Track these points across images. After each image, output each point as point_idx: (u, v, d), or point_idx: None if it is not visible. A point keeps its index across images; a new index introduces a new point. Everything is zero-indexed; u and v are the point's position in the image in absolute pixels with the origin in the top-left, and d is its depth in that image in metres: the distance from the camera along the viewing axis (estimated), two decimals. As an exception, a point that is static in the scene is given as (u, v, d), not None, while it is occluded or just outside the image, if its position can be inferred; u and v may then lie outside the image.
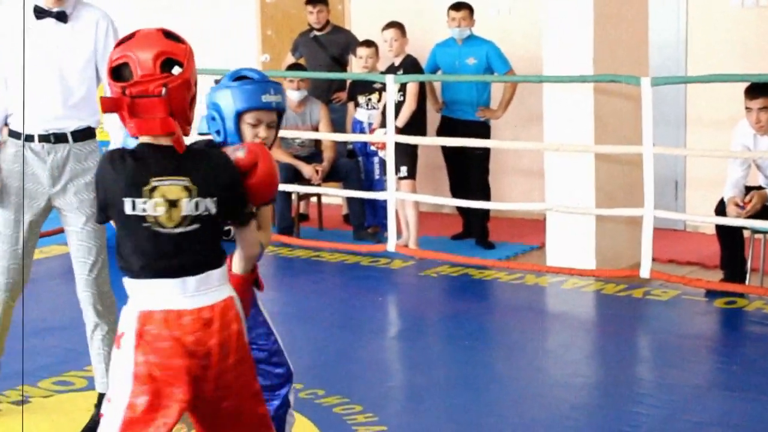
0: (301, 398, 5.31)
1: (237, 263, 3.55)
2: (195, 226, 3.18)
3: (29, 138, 4.86)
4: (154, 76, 3.12)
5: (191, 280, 3.19)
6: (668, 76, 8.50)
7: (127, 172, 3.15)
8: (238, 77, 3.86)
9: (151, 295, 3.22)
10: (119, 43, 3.20)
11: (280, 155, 9.00)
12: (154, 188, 3.15)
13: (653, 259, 7.45)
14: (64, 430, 5.06)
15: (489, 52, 8.91)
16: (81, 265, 5.07)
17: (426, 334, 6.78)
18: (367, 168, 9.42)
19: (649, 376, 5.97)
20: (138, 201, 3.15)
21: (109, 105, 3.15)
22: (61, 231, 9.15)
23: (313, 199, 10.18)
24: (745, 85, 7.21)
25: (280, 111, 3.86)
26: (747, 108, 7.10)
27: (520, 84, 9.04)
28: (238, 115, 3.79)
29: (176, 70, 3.15)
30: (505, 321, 7.03)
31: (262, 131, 3.79)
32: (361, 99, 9.37)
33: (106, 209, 3.22)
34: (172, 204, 3.16)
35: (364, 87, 9.32)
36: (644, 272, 7.39)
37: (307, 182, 9.23)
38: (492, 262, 8.34)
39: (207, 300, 3.21)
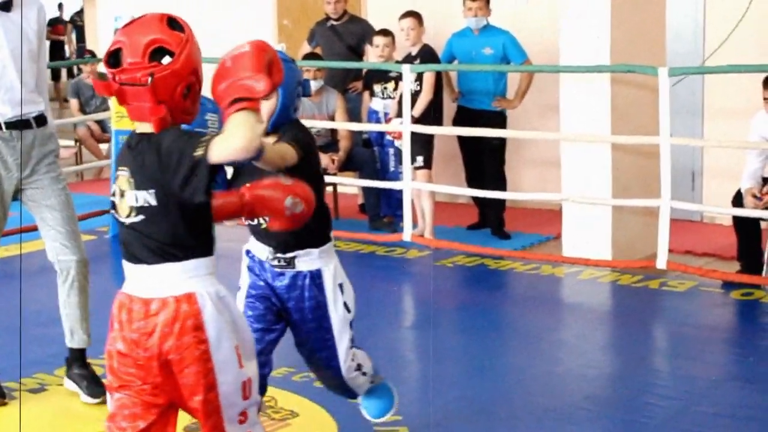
0: (317, 387, 5.31)
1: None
2: (140, 218, 3.18)
3: None
4: (141, 64, 3.10)
5: (146, 270, 3.21)
6: (686, 67, 8.45)
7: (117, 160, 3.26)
8: None
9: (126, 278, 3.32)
10: (122, 28, 3.20)
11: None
12: (117, 177, 3.24)
13: (670, 250, 7.43)
14: (81, 418, 5.07)
15: (505, 42, 8.88)
16: (58, 234, 5.21)
17: (441, 324, 6.77)
18: (382, 158, 9.41)
19: (664, 368, 5.96)
20: (114, 187, 3.25)
21: (101, 89, 3.20)
22: (86, 217, 9.27)
23: (329, 189, 10.17)
24: (763, 75, 7.18)
25: None
26: (765, 99, 7.08)
27: (536, 74, 9.01)
28: None
29: (165, 60, 3.11)
30: (521, 311, 7.02)
31: None
32: (377, 88, 9.36)
33: None
34: (122, 194, 3.22)
35: (379, 76, 9.31)
36: (660, 263, 7.37)
37: (323, 171, 9.21)
38: (508, 252, 8.33)
39: (159, 292, 3.20)
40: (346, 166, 9.43)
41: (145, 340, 3.21)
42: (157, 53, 3.11)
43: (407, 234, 8.50)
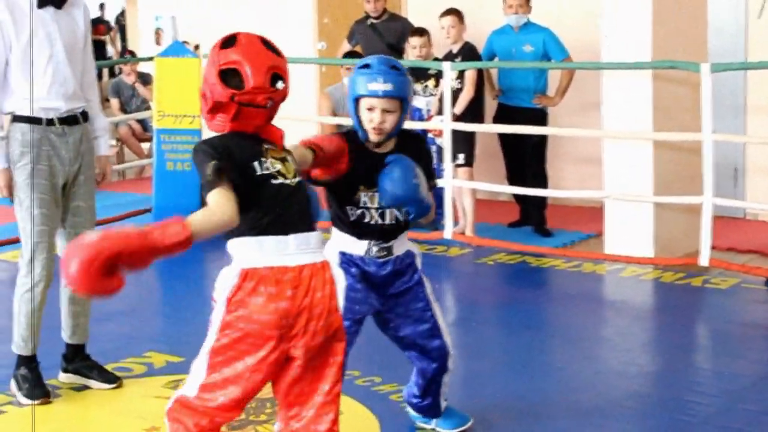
0: (358, 385, 5.33)
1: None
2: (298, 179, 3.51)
3: (50, 122, 5.14)
4: (264, 89, 3.39)
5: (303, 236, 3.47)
6: (728, 63, 8.40)
7: (245, 145, 3.45)
8: (363, 65, 4.22)
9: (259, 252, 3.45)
10: (223, 46, 3.40)
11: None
12: (266, 150, 3.47)
13: (712, 247, 7.39)
14: (123, 417, 5.10)
15: (546, 39, 8.86)
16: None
17: (482, 322, 6.77)
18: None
19: (706, 365, 5.93)
20: (262, 161, 3.45)
21: (216, 107, 3.42)
22: (117, 219, 9.32)
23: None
24: (807, 71, 7.14)
25: (396, 98, 4.14)
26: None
27: (577, 71, 8.99)
28: (356, 101, 4.19)
29: (280, 85, 3.42)
30: (562, 309, 7.01)
31: (375, 116, 4.14)
32: (418, 87, 9.36)
33: (228, 172, 3.39)
34: (283, 160, 3.50)
35: (419, 74, 9.31)
36: (703, 260, 7.34)
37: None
38: (549, 249, 8.31)
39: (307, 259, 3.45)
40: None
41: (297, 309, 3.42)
42: (274, 79, 3.42)
43: (448, 232, 8.50)
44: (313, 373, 3.52)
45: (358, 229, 4.34)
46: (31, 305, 5.16)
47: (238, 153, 3.42)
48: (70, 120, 5.21)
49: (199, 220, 3.26)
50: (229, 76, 3.39)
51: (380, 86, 4.12)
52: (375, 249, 4.37)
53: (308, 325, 3.42)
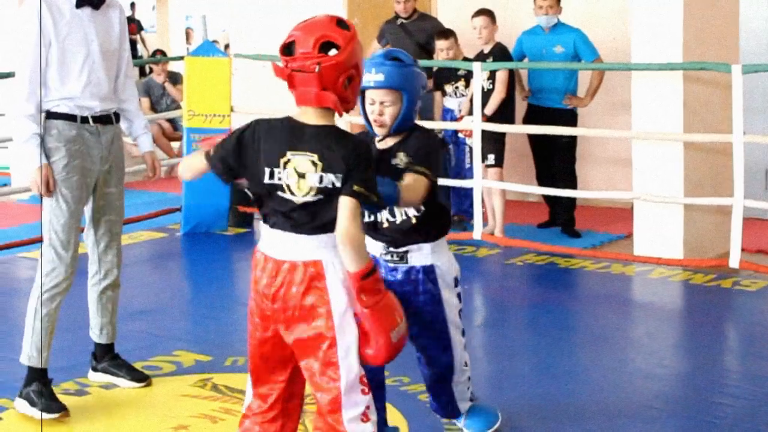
0: (387, 385, 5.32)
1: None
2: (319, 197, 3.58)
3: (84, 120, 5.17)
4: (311, 54, 3.54)
5: (303, 238, 3.62)
6: (759, 64, 8.37)
7: (274, 142, 3.65)
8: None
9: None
10: (297, 25, 3.67)
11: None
12: (288, 160, 3.60)
13: (742, 249, 7.36)
14: (152, 415, 5.12)
15: (576, 40, 8.85)
16: (111, 236, 5.41)
17: (511, 323, 6.77)
18: (458, 156, 9.39)
19: (736, 368, 5.91)
20: (276, 170, 3.61)
21: (277, 72, 3.63)
22: (147, 218, 9.35)
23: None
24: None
25: (391, 88, 4.10)
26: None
27: (607, 72, 8.96)
28: (362, 97, 4.18)
29: (332, 52, 3.55)
30: (591, 310, 6.99)
31: (375, 108, 4.15)
32: (449, 88, 9.36)
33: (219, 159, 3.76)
34: (302, 176, 3.59)
35: (449, 75, 9.31)
36: (733, 262, 7.30)
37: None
38: (578, 250, 8.29)
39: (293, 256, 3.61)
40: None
41: (272, 295, 3.64)
42: (325, 46, 3.56)
43: (477, 232, 8.50)
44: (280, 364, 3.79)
45: (372, 229, 4.29)
46: (50, 307, 5.10)
47: (255, 151, 3.67)
48: (104, 119, 5.24)
49: None
50: (290, 48, 3.61)
51: (372, 77, 4.11)
52: (385, 252, 4.32)
53: (283, 314, 3.64)
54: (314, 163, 3.57)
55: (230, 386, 5.40)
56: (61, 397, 5.19)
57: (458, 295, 4.46)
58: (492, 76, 8.70)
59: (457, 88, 9.30)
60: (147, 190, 11.44)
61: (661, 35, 7.84)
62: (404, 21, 9.99)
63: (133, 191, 11.04)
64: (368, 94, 4.16)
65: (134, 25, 22.60)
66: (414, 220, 4.25)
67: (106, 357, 5.50)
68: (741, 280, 7.32)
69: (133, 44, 22.45)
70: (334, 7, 11.78)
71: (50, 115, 5.12)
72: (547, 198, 9.24)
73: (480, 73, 8.43)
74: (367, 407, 3.68)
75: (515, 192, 9.50)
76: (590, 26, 9.22)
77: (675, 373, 5.74)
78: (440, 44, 9.25)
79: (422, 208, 4.21)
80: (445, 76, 9.39)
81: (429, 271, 4.33)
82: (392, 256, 4.32)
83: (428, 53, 10.05)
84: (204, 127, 9.20)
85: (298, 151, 3.59)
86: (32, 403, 5.09)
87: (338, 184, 3.55)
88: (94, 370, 5.53)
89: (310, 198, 3.57)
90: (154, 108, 12.69)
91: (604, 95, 9.18)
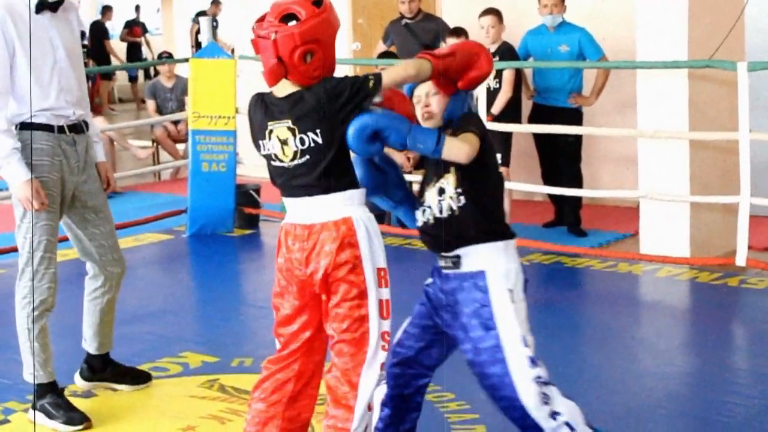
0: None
1: None
2: (306, 158, 3.76)
3: (60, 130, 4.98)
4: (272, 23, 3.74)
5: (310, 200, 3.80)
6: (765, 61, 8.34)
7: (258, 113, 3.88)
8: None
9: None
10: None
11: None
12: (270, 131, 3.81)
13: (749, 247, 7.34)
14: (159, 416, 5.12)
15: (581, 39, 8.84)
16: (106, 246, 5.22)
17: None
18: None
19: (744, 366, 5.90)
20: (263, 142, 3.85)
21: (253, 41, 3.83)
22: (152, 220, 9.34)
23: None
24: None
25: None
26: None
27: (612, 70, 8.95)
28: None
29: (291, 23, 3.72)
30: (598, 309, 6.98)
31: (421, 101, 4.07)
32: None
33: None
34: (284, 142, 3.78)
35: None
36: (740, 260, 7.29)
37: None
38: (584, 249, 8.27)
39: (320, 218, 3.79)
40: (421, 164, 9.41)
41: (303, 258, 3.81)
42: (288, 18, 3.74)
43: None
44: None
45: (424, 233, 4.08)
46: (41, 323, 4.96)
47: (253, 123, 3.92)
48: (78, 128, 5.06)
49: None
50: (262, 19, 3.87)
51: None
52: (440, 257, 4.01)
53: (317, 275, 3.79)
54: (290, 129, 3.75)
55: (237, 387, 5.40)
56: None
57: (515, 312, 3.97)
58: (498, 75, 8.69)
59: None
60: (152, 193, 11.44)
61: (666, 33, 7.82)
62: (409, 21, 9.99)
63: (139, 193, 11.07)
64: (415, 92, 4.06)
65: (139, 28, 22.64)
66: (458, 212, 3.90)
67: (108, 367, 5.37)
68: (748, 278, 7.31)
69: (137, 47, 22.48)
70: (338, 7, 11.78)
71: (25, 127, 4.90)
72: (553, 197, 9.23)
73: (486, 72, 8.41)
74: (383, 364, 3.87)
75: (521, 191, 9.48)
76: (595, 25, 9.21)
77: (684, 373, 5.74)
78: (451, 41, 9.23)
79: (463, 200, 3.89)
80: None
81: (479, 277, 3.93)
82: (445, 261, 3.98)
83: (433, 53, 10.04)
84: (209, 129, 9.20)
85: (276, 120, 3.79)
86: (50, 416, 5.01)
87: (320, 141, 3.73)
88: (89, 379, 5.39)
89: (298, 161, 3.77)
90: (160, 110, 12.69)
91: (609, 94, 9.16)
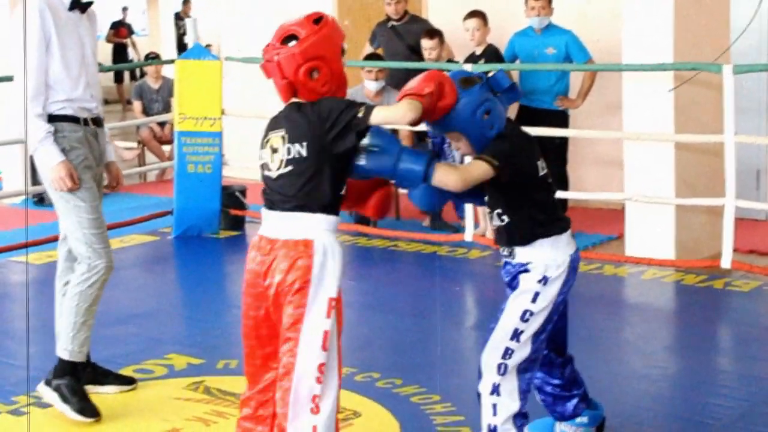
0: (379, 387, 5.33)
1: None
2: (289, 168, 3.78)
3: (85, 122, 5.16)
4: (274, 46, 3.82)
5: (280, 215, 3.80)
6: (751, 64, 8.36)
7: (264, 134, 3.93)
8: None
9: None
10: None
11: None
12: (268, 139, 3.87)
13: (734, 250, 7.36)
14: (144, 418, 5.11)
15: (568, 41, 8.84)
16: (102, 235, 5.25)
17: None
18: (448, 156, 9.35)
19: (729, 368, 5.91)
20: (261, 152, 3.89)
21: (262, 65, 3.88)
22: (138, 221, 9.33)
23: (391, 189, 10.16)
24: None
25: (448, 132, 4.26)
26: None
27: (599, 73, 8.96)
28: None
29: (291, 44, 3.79)
30: (583, 311, 6.97)
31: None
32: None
33: None
34: (275, 151, 3.83)
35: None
36: (725, 263, 7.30)
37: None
38: (570, 252, 8.27)
39: (285, 234, 3.77)
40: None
41: (263, 272, 3.80)
42: (288, 39, 3.81)
43: (469, 234, 8.49)
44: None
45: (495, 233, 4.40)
46: (90, 302, 5.09)
47: (263, 136, 3.93)
48: (99, 122, 5.25)
49: None
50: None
51: None
52: (501, 248, 4.36)
53: (271, 290, 3.78)
54: (282, 137, 3.80)
55: (223, 389, 5.39)
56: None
57: (534, 298, 4.23)
58: (484, 77, 8.68)
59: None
60: (138, 194, 11.42)
61: (652, 36, 7.83)
62: (395, 23, 9.99)
63: (125, 195, 11.03)
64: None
65: (125, 29, 22.60)
66: (502, 224, 4.26)
67: (88, 368, 5.31)
68: (733, 281, 7.32)
69: (123, 48, 22.44)
70: (324, 9, 11.78)
71: (54, 118, 5.06)
72: (539, 199, 9.22)
73: (471, 74, 8.41)
74: (317, 396, 3.72)
75: (507, 194, 9.47)
76: (582, 27, 9.22)
77: (669, 375, 5.74)
78: (425, 44, 9.24)
79: (506, 218, 4.23)
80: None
81: (523, 269, 4.27)
82: (505, 250, 4.31)
83: (419, 55, 10.03)
84: (195, 131, 9.19)
85: (274, 130, 3.86)
86: (64, 399, 5.04)
87: (304, 154, 3.74)
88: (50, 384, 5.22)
89: (282, 170, 3.79)
90: (146, 111, 12.67)
91: (595, 96, 9.17)
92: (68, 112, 5.08)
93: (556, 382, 4.59)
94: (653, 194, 7.86)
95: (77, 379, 5.10)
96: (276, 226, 3.80)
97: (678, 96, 7.80)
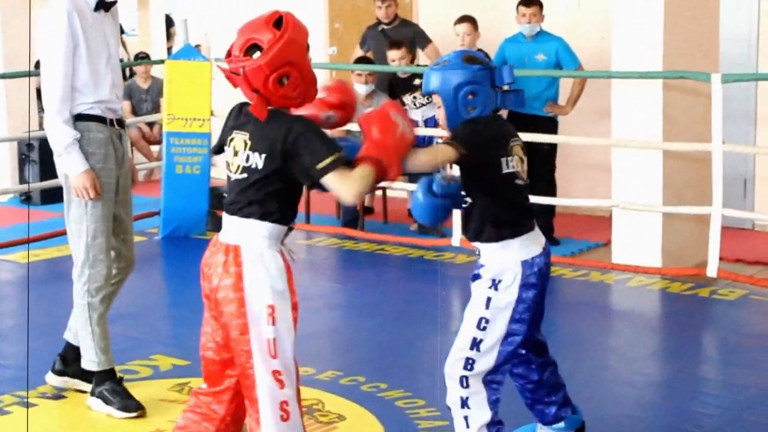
0: (364, 391, 5.33)
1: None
2: (244, 176, 3.72)
3: (111, 123, 5.15)
4: (238, 58, 3.66)
5: (229, 219, 3.76)
6: (739, 73, 8.39)
7: (227, 123, 3.88)
8: None
9: None
10: (241, 27, 3.76)
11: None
12: (233, 138, 3.78)
13: (720, 258, 7.37)
14: (129, 420, 5.10)
15: (558, 48, 8.85)
16: (127, 243, 5.39)
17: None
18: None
19: (714, 376, 5.92)
20: (226, 148, 3.82)
21: (225, 74, 3.77)
22: (136, 219, 9.31)
23: (378, 193, 10.17)
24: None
25: (430, 93, 4.16)
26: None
27: (588, 80, 8.98)
28: None
29: (256, 55, 3.63)
30: (569, 318, 6.99)
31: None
32: (407, 99, 9.40)
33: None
34: (236, 153, 3.75)
35: (406, 86, 9.35)
36: (711, 271, 7.32)
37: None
38: (557, 258, 8.27)
39: (228, 239, 3.74)
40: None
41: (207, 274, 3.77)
42: (252, 49, 3.64)
43: (456, 239, 8.49)
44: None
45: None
46: (104, 308, 5.17)
47: (225, 126, 3.87)
48: (123, 123, 5.26)
49: None
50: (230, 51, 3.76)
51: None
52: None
53: (211, 294, 3.77)
54: (245, 143, 3.72)
55: (207, 391, 5.37)
56: (37, 400, 5.18)
57: (483, 319, 4.27)
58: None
59: (415, 98, 9.35)
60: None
61: (642, 43, 7.85)
62: (385, 27, 10.00)
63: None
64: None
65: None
66: (465, 206, 4.20)
67: (79, 360, 5.34)
68: (719, 289, 7.34)
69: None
70: (315, 11, 11.80)
71: (81, 118, 5.05)
72: (527, 205, 9.23)
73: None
74: (284, 402, 3.70)
75: (495, 199, 9.48)
76: (572, 34, 9.23)
77: (653, 382, 5.75)
78: (391, 54, 9.29)
79: (468, 200, 4.16)
80: (401, 87, 9.42)
81: (475, 275, 4.35)
82: (477, 250, 4.30)
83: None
84: (184, 131, 9.18)
85: (239, 129, 3.77)
86: (107, 402, 5.13)
87: (260, 166, 3.67)
88: (61, 374, 5.40)
89: (238, 176, 3.73)
90: (135, 111, 12.66)
91: (584, 103, 9.18)
92: (96, 112, 5.08)
93: (532, 386, 4.55)
94: (640, 201, 7.87)
95: (116, 381, 5.19)
96: (226, 229, 3.78)
97: (667, 104, 7.81)
